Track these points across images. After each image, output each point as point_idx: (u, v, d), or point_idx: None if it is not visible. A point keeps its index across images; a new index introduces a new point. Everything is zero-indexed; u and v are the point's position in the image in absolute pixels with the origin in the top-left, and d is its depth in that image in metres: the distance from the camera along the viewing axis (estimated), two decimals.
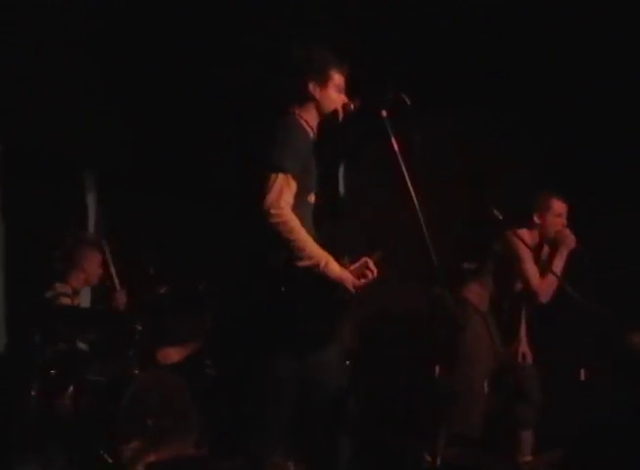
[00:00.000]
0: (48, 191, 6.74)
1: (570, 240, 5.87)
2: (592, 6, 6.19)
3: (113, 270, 6.14)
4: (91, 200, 7.27)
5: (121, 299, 6.06)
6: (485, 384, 5.88)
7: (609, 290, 5.75)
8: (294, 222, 3.88)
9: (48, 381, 5.26)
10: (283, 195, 3.89)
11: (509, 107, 6.89)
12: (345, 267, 4.06)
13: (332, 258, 3.98)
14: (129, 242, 6.57)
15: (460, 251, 6.07)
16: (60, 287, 5.87)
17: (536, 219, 5.96)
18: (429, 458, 5.89)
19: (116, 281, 6.13)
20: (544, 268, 5.88)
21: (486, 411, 5.88)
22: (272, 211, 3.84)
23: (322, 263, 3.92)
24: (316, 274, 3.92)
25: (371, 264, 4.12)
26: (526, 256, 5.90)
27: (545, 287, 5.86)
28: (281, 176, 3.91)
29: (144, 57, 6.89)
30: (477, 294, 5.96)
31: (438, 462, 5.81)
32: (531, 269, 5.87)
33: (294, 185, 3.95)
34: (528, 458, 5.86)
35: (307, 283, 3.92)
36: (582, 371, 5.46)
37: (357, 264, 4.15)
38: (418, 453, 5.93)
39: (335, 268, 3.96)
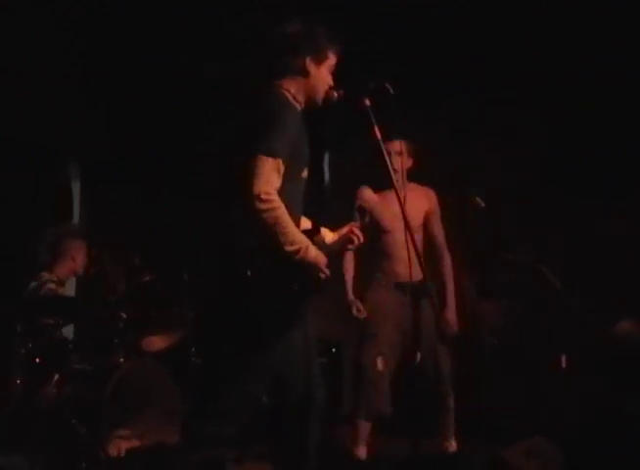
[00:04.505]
0: (33, 181, 6.74)
1: None
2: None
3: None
4: (76, 190, 7.28)
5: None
6: (379, 360, 5.78)
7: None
8: (281, 210, 3.83)
9: (32, 370, 5.27)
10: (272, 180, 3.83)
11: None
12: (321, 243, 4.11)
13: (310, 243, 3.96)
14: (114, 232, 6.58)
15: None
16: (46, 275, 5.89)
17: None
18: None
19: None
20: None
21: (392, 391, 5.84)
22: (262, 197, 3.78)
23: (302, 249, 3.89)
24: (296, 260, 3.88)
25: (357, 230, 4.18)
26: None
27: None
28: (271, 161, 3.83)
29: (129, 49, 6.92)
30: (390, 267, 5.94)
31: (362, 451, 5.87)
32: None
33: (282, 169, 3.88)
34: (451, 443, 5.89)
35: (275, 267, 3.89)
36: (563, 359, 5.47)
37: (343, 230, 4.22)
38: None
39: (312, 253, 3.93)
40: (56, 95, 6.55)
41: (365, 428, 5.86)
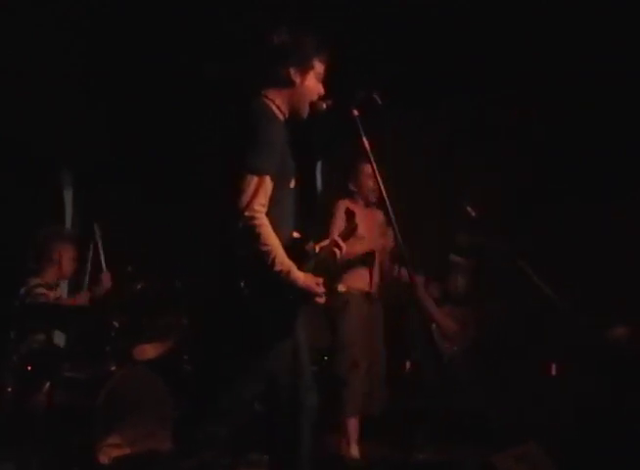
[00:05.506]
0: (25, 188, 6.75)
1: None
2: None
3: (101, 251, 6.16)
4: (68, 197, 7.29)
5: (107, 281, 6.07)
6: (363, 363, 6.02)
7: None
8: (264, 228, 3.82)
9: (24, 377, 5.30)
10: (257, 197, 3.82)
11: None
12: (312, 252, 4.13)
13: (294, 266, 3.91)
14: (106, 239, 6.59)
15: None
16: (33, 281, 5.88)
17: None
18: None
19: (104, 262, 6.15)
20: None
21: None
22: (245, 214, 3.79)
23: (284, 272, 3.86)
24: (281, 280, 3.87)
25: (340, 241, 4.19)
26: None
27: None
28: (257, 179, 3.84)
29: (128, 49, 6.92)
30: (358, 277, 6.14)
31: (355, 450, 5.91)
32: None
33: (270, 186, 3.88)
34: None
35: (268, 279, 3.87)
36: (554, 366, 5.46)
37: (326, 242, 4.25)
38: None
39: (299, 276, 3.91)
40: (49, 102, 6.54)
41: (354, 425, 5.97)
